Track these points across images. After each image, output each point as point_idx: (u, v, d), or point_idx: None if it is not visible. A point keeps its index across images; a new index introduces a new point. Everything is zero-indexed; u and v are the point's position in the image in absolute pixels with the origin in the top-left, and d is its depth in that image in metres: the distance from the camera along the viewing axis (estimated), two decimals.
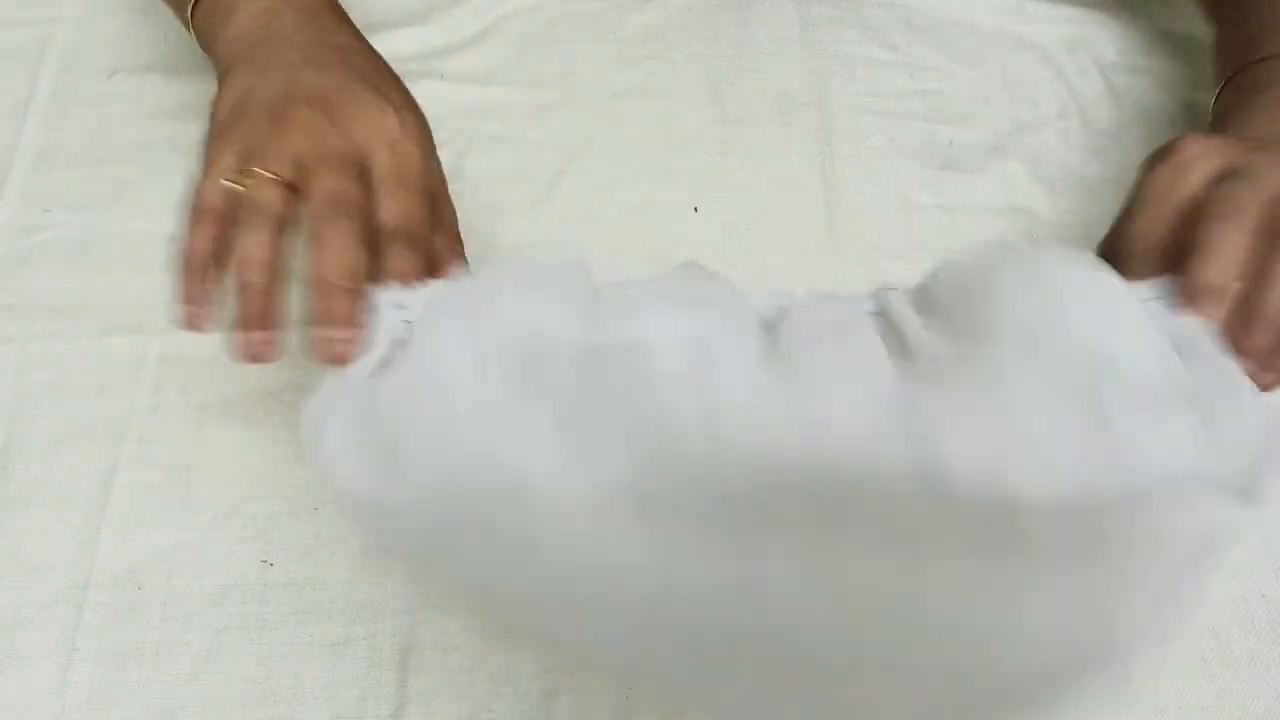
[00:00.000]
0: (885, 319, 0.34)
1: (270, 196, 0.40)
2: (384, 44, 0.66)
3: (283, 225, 0.40)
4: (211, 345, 0.57)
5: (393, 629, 0.50)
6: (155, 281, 0.59)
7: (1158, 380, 0.31)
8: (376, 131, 0.42)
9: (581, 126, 0.65)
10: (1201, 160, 0.40)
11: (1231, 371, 0.33)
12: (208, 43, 0.52)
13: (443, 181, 0.46)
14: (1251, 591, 0.51)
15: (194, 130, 0.64)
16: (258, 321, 0.40)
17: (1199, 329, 0.33)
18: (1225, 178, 0.38)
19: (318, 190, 0.40)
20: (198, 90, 0.66)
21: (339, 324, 0.38)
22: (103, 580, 0.51)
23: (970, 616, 0.30)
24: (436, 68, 0.66)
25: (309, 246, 0.40)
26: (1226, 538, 0.31)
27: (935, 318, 0.33)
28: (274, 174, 0.40)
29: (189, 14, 0.54)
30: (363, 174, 0.41)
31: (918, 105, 0.66)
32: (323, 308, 0.38)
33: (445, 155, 0.63)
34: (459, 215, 0.61)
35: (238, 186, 0.40)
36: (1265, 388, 0.34)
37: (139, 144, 0.64)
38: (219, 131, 0.43)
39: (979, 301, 0.32)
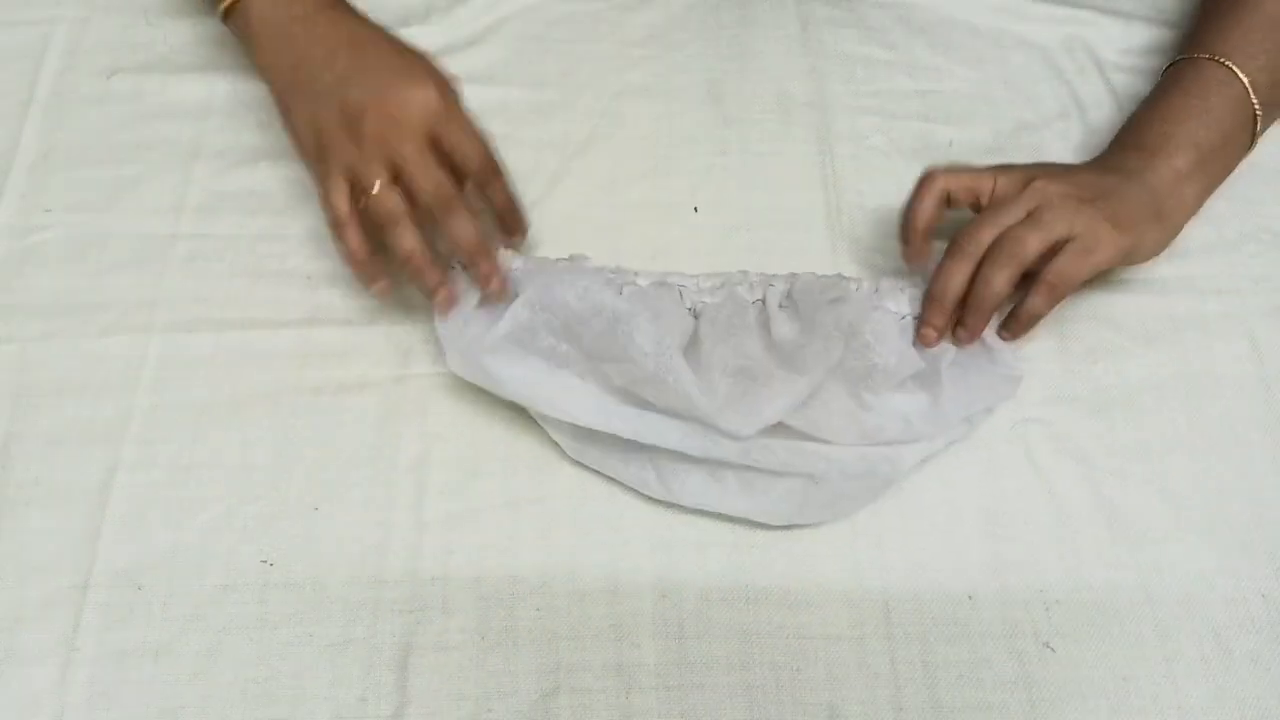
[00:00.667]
0: (764, 308, 0.54)
1: (390, 202, 0.52)
2: None
3: (409, 215, 0.52)
4: (211, 345, 0.57)
5: (393, 629, 0.50)
6: (155, 281, 0.59)
7: (898, 371, 0.51)
8: (429, 113, 0.53)
9: (581, 126, 0.65)
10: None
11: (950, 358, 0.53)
12: (242, 42, 0.60)
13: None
14: (1251, 591, 0.51)
15: (194, 130, 0.64)
16: (437, 284, 0.53)
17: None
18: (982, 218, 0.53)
19: (421, 189, 0.52)
20: (198, 90, 0.66)
21: (488, 275, 0.53)
22: (103, 580, 0.51)
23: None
24: None
25: (443, 233, 0.53)
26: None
27: (792, 312, 0.54)
28: (379, 182, 0.52)
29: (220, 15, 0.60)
30: (436, 146, 0.53)
31: (917, 105, 0.66)
32: (478, 271, 0.53)
33: None
34: None
35: (357, 204, 0.53)
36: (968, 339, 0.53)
37: (139, 144, 0.64)
38: (317, 160, 0.54)
39: (813, 311, 0.52)
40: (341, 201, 0.52)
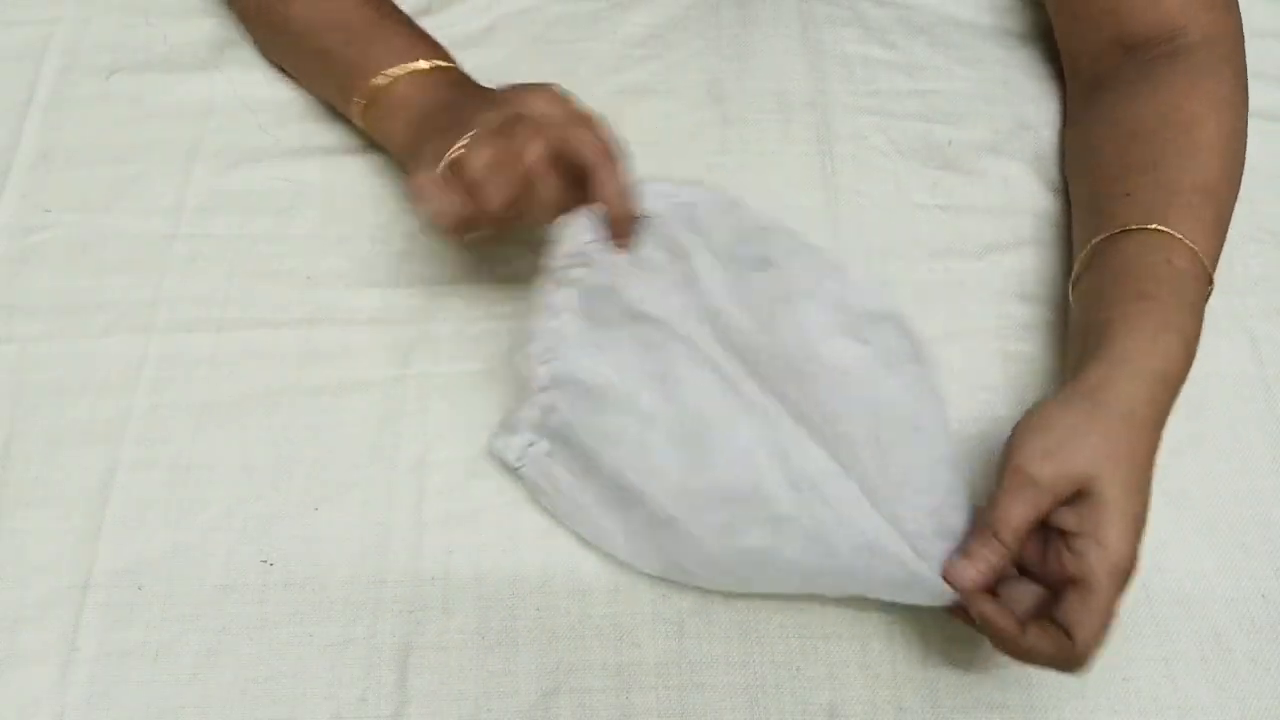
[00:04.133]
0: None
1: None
2: None
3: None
4: (211, 345, 0.57)
5: (393, 629, 0.50)
6: (155, 281, 0.59)
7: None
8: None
9: None
10: (1055, 482, 0.44)
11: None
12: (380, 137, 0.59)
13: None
14: (1251, 591, 0.51)
15: (194, 130, 0.64)
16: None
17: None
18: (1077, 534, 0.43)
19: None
20: (198, 90, 0.66)
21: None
22: (103, 580, 0.51)
23: None
24: None
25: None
26: None
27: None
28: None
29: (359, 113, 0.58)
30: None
31: (917, 105, 0.66)
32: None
33: None
34: None
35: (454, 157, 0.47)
36: None
37: (139, 144, 0.63)
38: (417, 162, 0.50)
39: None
40: (438, 170, 0.47)
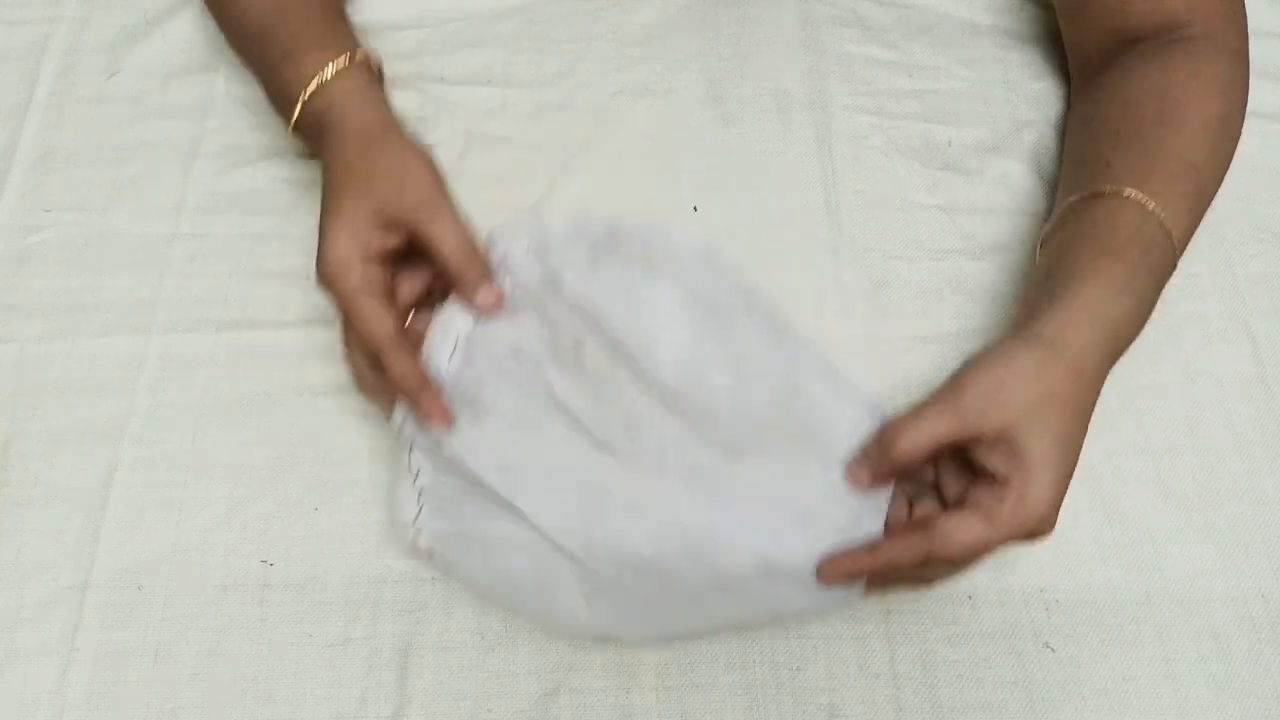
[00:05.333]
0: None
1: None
2: (384, 43, 0.66)
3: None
4: (211, 345, 0.57)
5: (393, 629, 0.50)
6: (155, 281, 0.59)
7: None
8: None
9: (581, 126, 0.65)
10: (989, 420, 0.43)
11: None
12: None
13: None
14: (1251, 591, 0.51)
15: (194, 130, 0.64)
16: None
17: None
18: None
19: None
20: (198, 90, 0.66)
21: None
22: (103, 580, 0.51)
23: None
24: (436, 68, 0.66)
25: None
26: None
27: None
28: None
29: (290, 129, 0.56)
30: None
31: (916, 105, 0.66)
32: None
33: (445, 155, 0.63)
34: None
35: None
36: None
37: (139, 144, 0.64)
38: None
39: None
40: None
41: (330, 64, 0.53)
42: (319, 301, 0.58)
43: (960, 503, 0.44)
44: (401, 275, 0.50)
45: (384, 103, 0.54)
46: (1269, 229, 0.61)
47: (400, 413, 0.48)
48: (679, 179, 0.63)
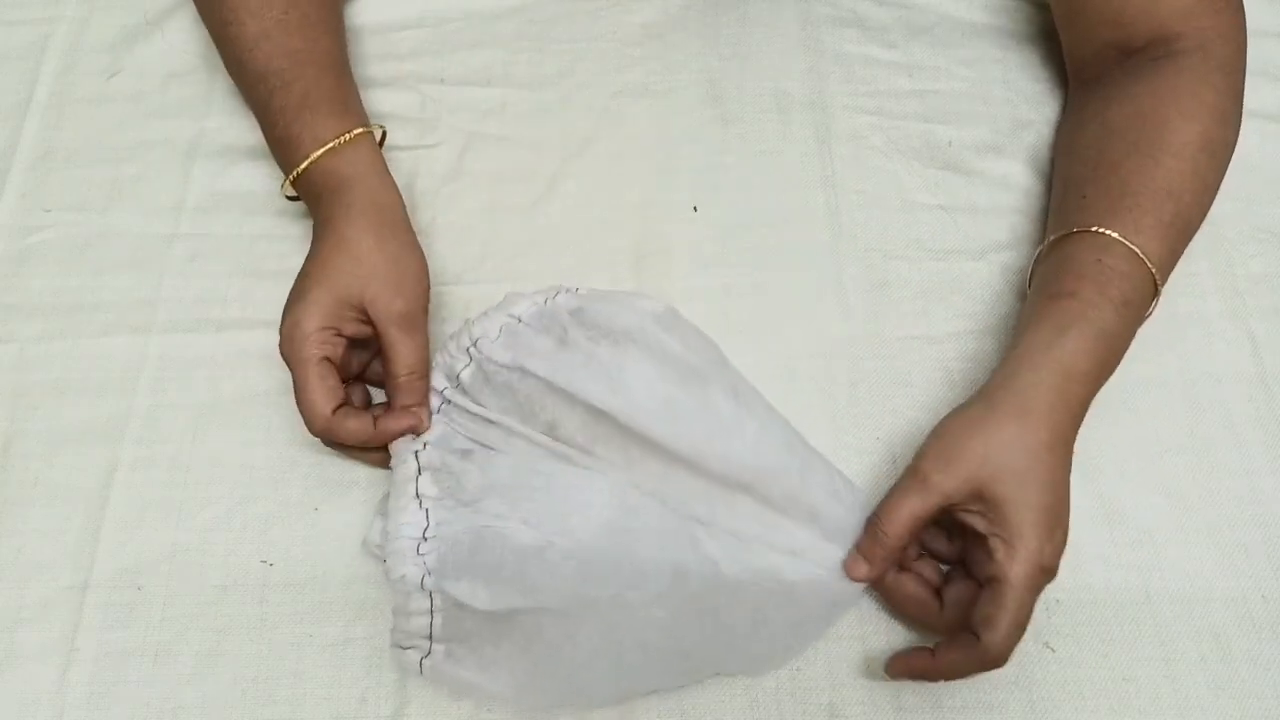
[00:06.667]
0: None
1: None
2: (384, 44, 0.66)
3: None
4: (211, 345, 0.57)
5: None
6: (155, 281, 0.59)
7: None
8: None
9: (581, 126, 0.65)
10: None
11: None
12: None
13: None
14: (1251, 591, 0.51)
15: (194, 130, 0.64)
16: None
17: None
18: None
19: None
20: (197, 90, 0.66)
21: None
22: (103, 580, 0.51)
23: None
24: (436, 68, 0.66)
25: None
26: None
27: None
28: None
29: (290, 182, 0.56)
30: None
31: (917, 105, 0.66)
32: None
33: (445, 155, 0.63)
34: (458, 215, 0.61)
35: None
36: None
37: (139, 144, 0.64)
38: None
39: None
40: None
41: (348, 133, 0.53)
42: None
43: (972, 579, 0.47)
44: (351, 351, 0.51)
45: (392, 179, 0.55)
46: (1269, 229, 0.61)
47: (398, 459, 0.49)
48: (679, 179, 0.63)
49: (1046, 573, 0.45)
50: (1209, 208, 0.54)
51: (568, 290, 0.53)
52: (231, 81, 0.61)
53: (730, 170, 0.63)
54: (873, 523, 0.47)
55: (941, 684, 0.48)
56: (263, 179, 0.62)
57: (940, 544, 0.49)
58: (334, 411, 0.48)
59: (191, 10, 0.68)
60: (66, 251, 0.60)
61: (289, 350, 0.49)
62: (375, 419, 0.49)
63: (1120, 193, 0.52)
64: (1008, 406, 0.47)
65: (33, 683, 0.48)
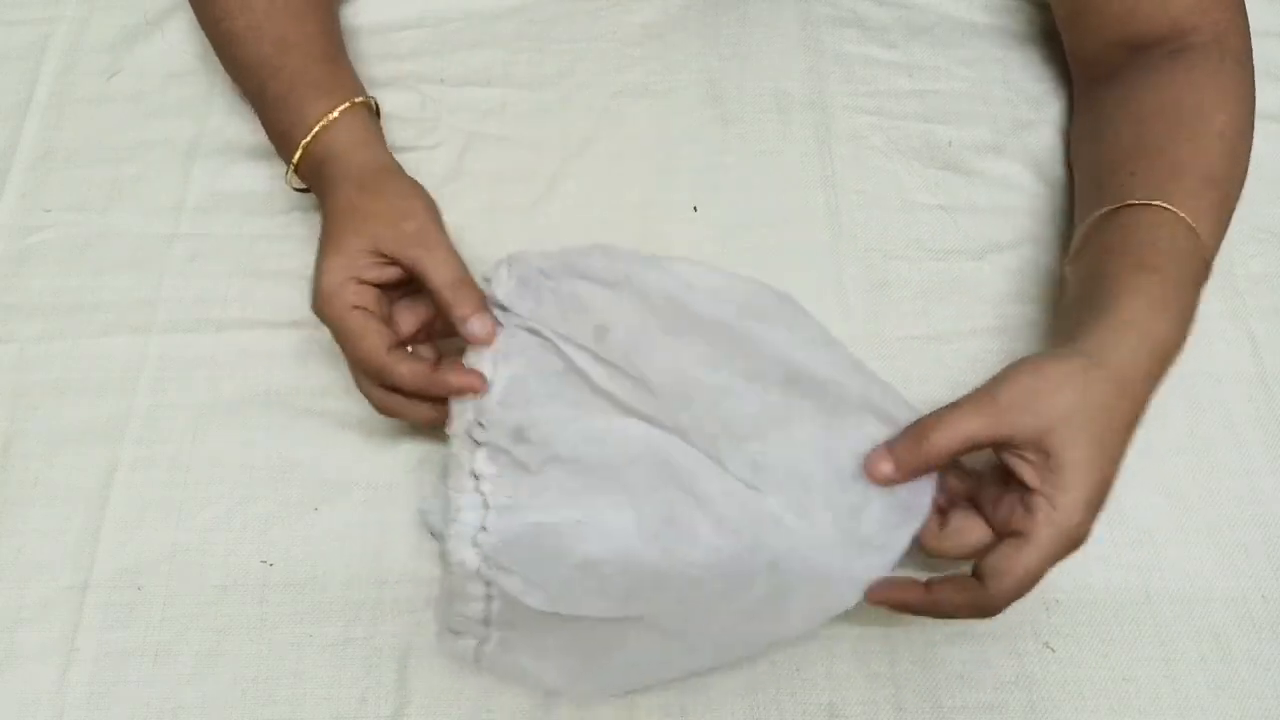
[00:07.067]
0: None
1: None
2: (384, 44, 0.66)
3: None
4: (211, 345, 0.57)
5: (393, 629, 0.50)
6: (155, 281, 0.59)
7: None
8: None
9: (581, 126, 0.65)
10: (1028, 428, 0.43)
11: None
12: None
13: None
14: (1251, 591, 0.51)
15: (194, 130, 0.64)
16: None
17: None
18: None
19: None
20: (198, 90, 0.66)
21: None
22: (103, 580, 0.51)
23: None
24: (436, 68, 0.66)
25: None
26: None
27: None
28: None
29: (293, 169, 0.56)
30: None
31: (917, 105, 0.66)
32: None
33: (445, 155, 0.63)
34: (459, 215, 0.61)
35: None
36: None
37: (139, 144, 0.64)
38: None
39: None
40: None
41: (335, 110, 0.54)
42: None
43: (998, 529, 0.44)
44: (400, 308, 0.50)
45: (383, 145, 0.55)
46: (1269, 229, 0.61)
47: (458, 420, 0.47)
48: (679, 179, 0.63)
49: (1075, 545, 0.43)
50: (1239, 197, 0.54)
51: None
52: (232, 81, 0.61)
53: (730, 170, 0.63)
54: (920, 426, 0.43)
55: (942, 685, 0.48)
56: (263, 179, 0.62)
57: (952, 475, 0.46)
58: (388, 352, 0.47)
59: (192, 11, 0.68)
60: (66, 251, 0.60)
61: (325, 310, 0.48)
62: (432, 367, 0.48)
63: (1172, 173, 0.51)
64: (1111, 373, 0.44)
65: (33, 683, 0.48)
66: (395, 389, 0.48)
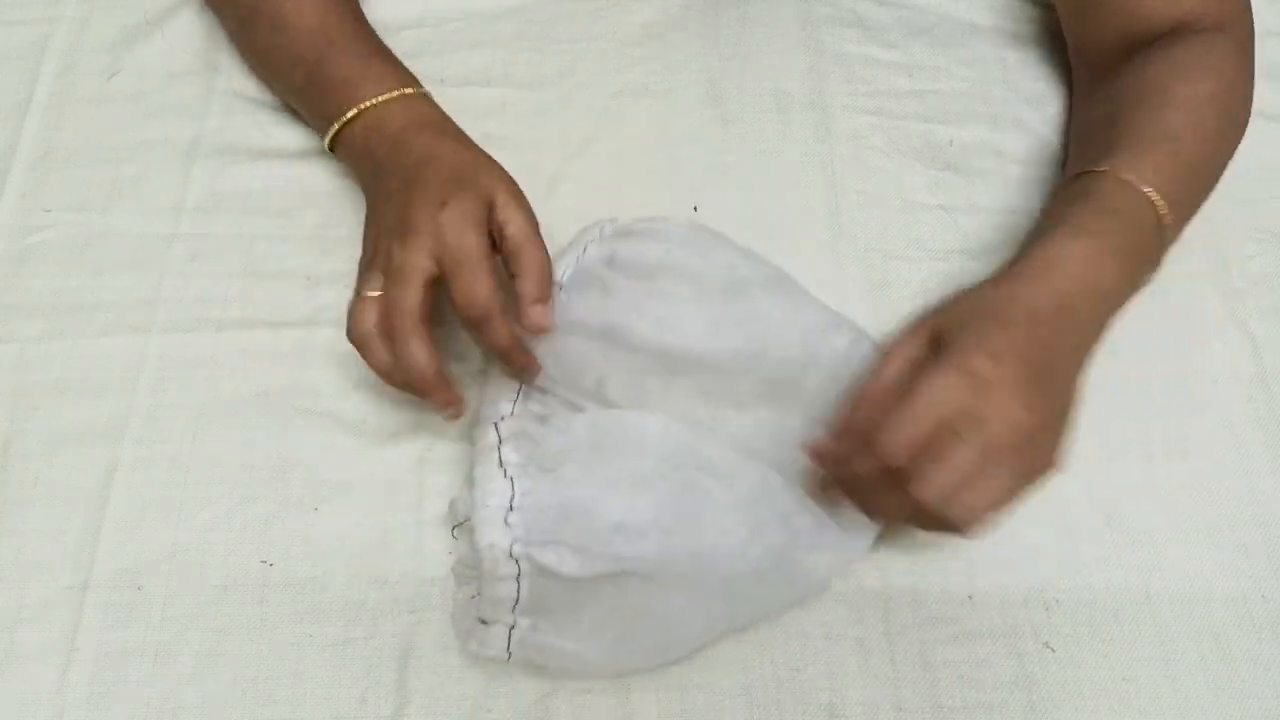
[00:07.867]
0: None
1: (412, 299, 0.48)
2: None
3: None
4: (211, 345, 0.57)
5: (393, 629, 0.50)
6: (155, 281, 0.59)
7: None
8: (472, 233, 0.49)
9: (581, 126, 0.65)
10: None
11: None
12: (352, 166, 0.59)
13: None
14: (1251, 591, 0.51)
15: (194, 130, 0.64)
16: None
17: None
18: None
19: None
20: (197, 90, 0.66)
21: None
22: (103, 580, 0.51)
23: None
24: (436, 68, 0.66)
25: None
26: None
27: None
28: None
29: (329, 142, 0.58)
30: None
31: (917, 105, 0.66)
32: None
33: None
34: None
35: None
36: None
37: (139, 144, 0.64)
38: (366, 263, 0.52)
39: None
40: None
41: (397, 89, 0.56)
42: (319, 301, 0.58)
43: None
44: None
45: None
46: (1268, 229, 0.61)
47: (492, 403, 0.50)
48: (679, 179, 0.63)
49: (971, 375, 0.43)
50: (1220, 159, 0.55)
51: (595, 241, 0.54)
52: (232, 82, 0.62)
53: (730, 170, 0.63)
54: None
55: (942, 684, 0.48)
56: (263, 179, 0.62)
57: None
58: (501, 304, 0.48)
59: (192, 10, 0.68)
60: (66, 251, 0.60)
61: (454, 238, 0.47)
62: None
63: (1118, 135, 0.53)
64: (998, 287, 0.48)
65: (33, 683, 0.48)
66: (477, 344, 0.50)
